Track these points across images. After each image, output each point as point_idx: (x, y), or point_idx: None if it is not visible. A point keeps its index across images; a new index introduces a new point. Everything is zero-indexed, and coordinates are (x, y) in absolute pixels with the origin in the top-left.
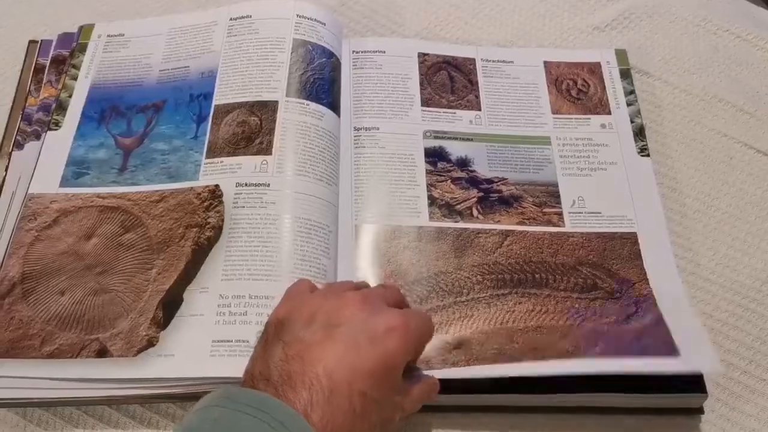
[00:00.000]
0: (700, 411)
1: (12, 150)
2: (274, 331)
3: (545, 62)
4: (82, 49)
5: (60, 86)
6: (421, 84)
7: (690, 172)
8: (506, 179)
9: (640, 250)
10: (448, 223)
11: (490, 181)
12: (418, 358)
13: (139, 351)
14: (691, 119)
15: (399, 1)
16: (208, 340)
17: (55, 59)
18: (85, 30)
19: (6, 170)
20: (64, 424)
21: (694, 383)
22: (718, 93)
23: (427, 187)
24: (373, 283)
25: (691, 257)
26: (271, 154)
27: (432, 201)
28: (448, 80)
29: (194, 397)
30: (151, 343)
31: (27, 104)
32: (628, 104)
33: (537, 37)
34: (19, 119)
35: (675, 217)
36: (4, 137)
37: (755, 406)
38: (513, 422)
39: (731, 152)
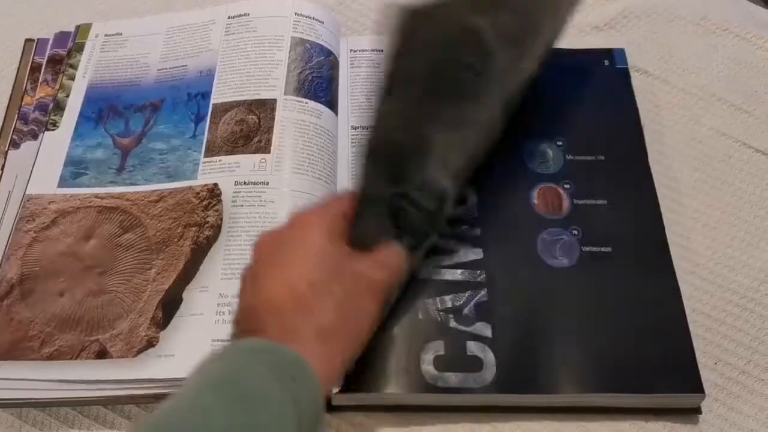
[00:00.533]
0: (697, 411)
1: (8, 149)
2: (240, 289)
3: None
4: (80, 48)
5: (57, 86)
6: None
7: (689, 171)
8: None
9: None
10: None
11: None
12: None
13: (139, 351)
14: (690, 118)
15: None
16: (208, 340)
17: (52, 58)
18: (82, 29)
19: (2, 169)
20: (59, 424)
21: (691, 383)
22: (717, 92)
23: None
24: None
25: (690, 256)
26: (269, 152)
27: None
28: None
29: None
30: (150, 343)
31: (23, 103)
32: None
33: None
34: (15, 118)
35: (673, 216)
36: (0, 136)
37: (753, 406)
38: (510, 422)
39: (730, 151)
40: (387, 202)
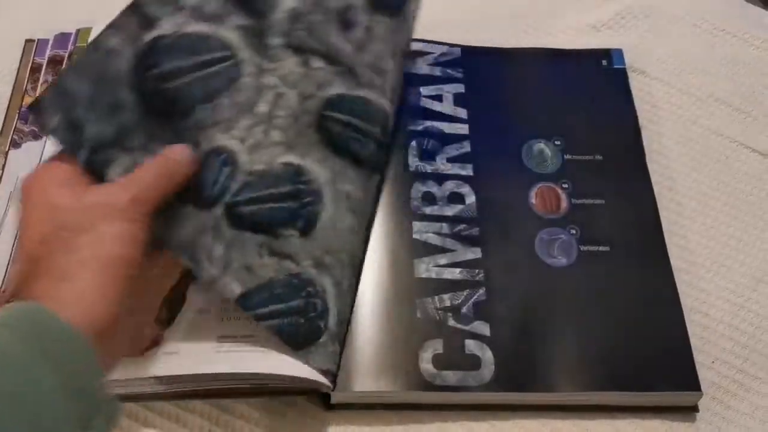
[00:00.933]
0: (695, 409)
1: (9, 149)
2: None
3: None
4: (80, 52)
5: None
6: None
7: (686, 171)
8: None
9: None
10: None
11: None
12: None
13: (145, 350)
14: (688, 118)
15: None
16: (214, 337)
17: (52, 59)
18: (82, 34)
19: (3, 169)
20: None
21: (689, 381)
22: (715, 92)
23: None
24: None
25: (687, 256)
26: None
27: None
28: None
29: (199, 395)
30: (156, 342)
31: (23, 103)
32: None
33: (534, 36)
34: (16, 118)
35: (671, 216)
36: (0, 136)
37: (750, 404)
38: (509, 421)
39: (727, 151)
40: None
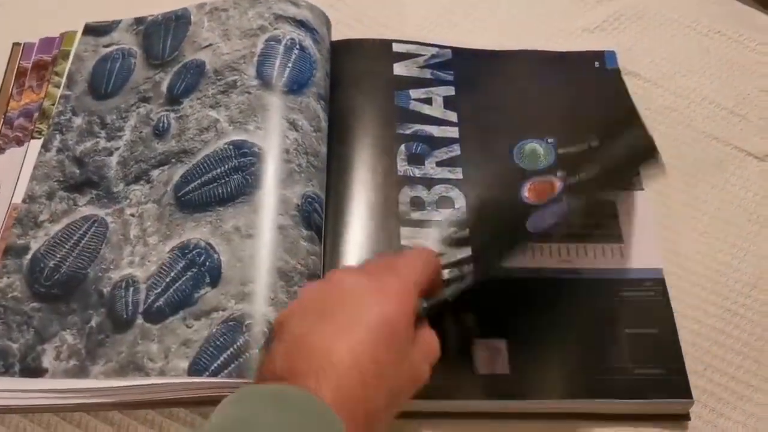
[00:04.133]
0: (686, 417)
1: None
2: (276, 333)
3: None
4: (65, 56)
5: (42, 93)
6: None
7: (679, 175)
8: None
9: None
10: None
11: None
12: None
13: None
14: (681, 121)
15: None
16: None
17: (37, 64)
18: (68, 37)
19: None
20: (41, 430)
21: (680, 389)
22: (709, 95)
23: None
24: None
25: (680, 261)
26: None
27: None
28: None
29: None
30: None
31: (9, 108)
32: None
33: (526, 38)
34: (1, 123)
35: (664, 221)
36: None
37: (742, 412)
38: (501, 428)
39: (721, 155)
40: None
